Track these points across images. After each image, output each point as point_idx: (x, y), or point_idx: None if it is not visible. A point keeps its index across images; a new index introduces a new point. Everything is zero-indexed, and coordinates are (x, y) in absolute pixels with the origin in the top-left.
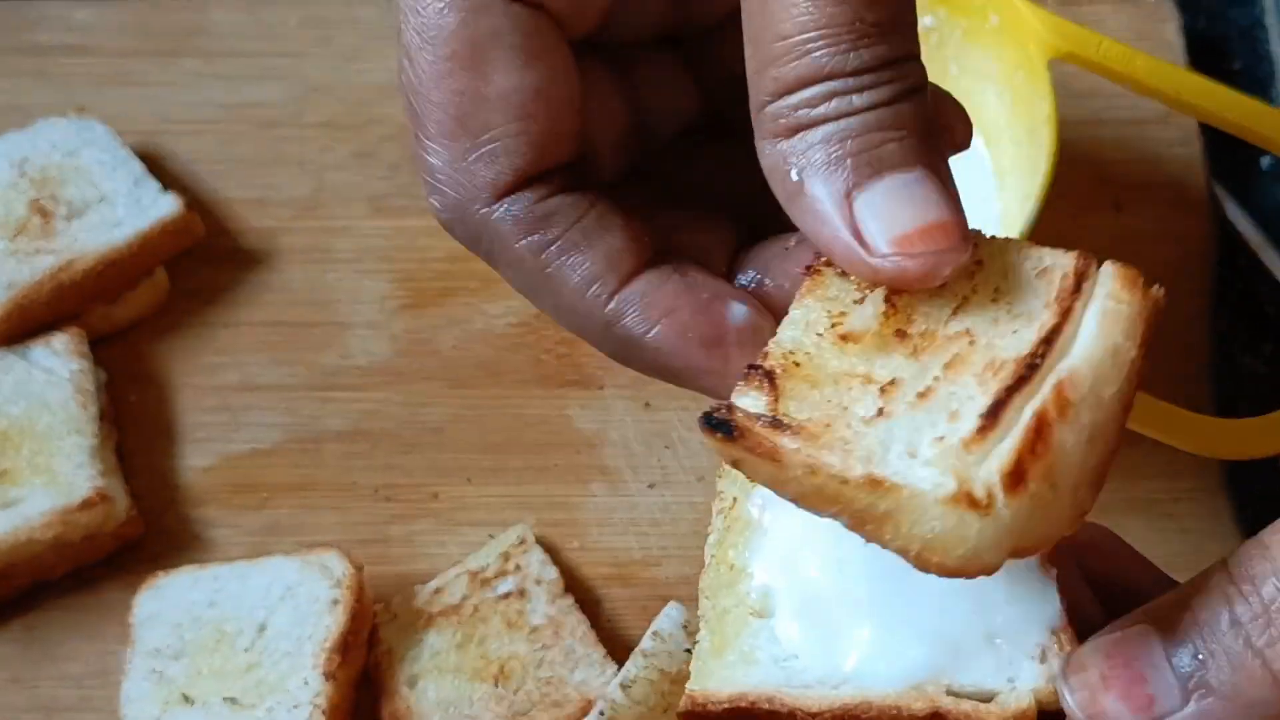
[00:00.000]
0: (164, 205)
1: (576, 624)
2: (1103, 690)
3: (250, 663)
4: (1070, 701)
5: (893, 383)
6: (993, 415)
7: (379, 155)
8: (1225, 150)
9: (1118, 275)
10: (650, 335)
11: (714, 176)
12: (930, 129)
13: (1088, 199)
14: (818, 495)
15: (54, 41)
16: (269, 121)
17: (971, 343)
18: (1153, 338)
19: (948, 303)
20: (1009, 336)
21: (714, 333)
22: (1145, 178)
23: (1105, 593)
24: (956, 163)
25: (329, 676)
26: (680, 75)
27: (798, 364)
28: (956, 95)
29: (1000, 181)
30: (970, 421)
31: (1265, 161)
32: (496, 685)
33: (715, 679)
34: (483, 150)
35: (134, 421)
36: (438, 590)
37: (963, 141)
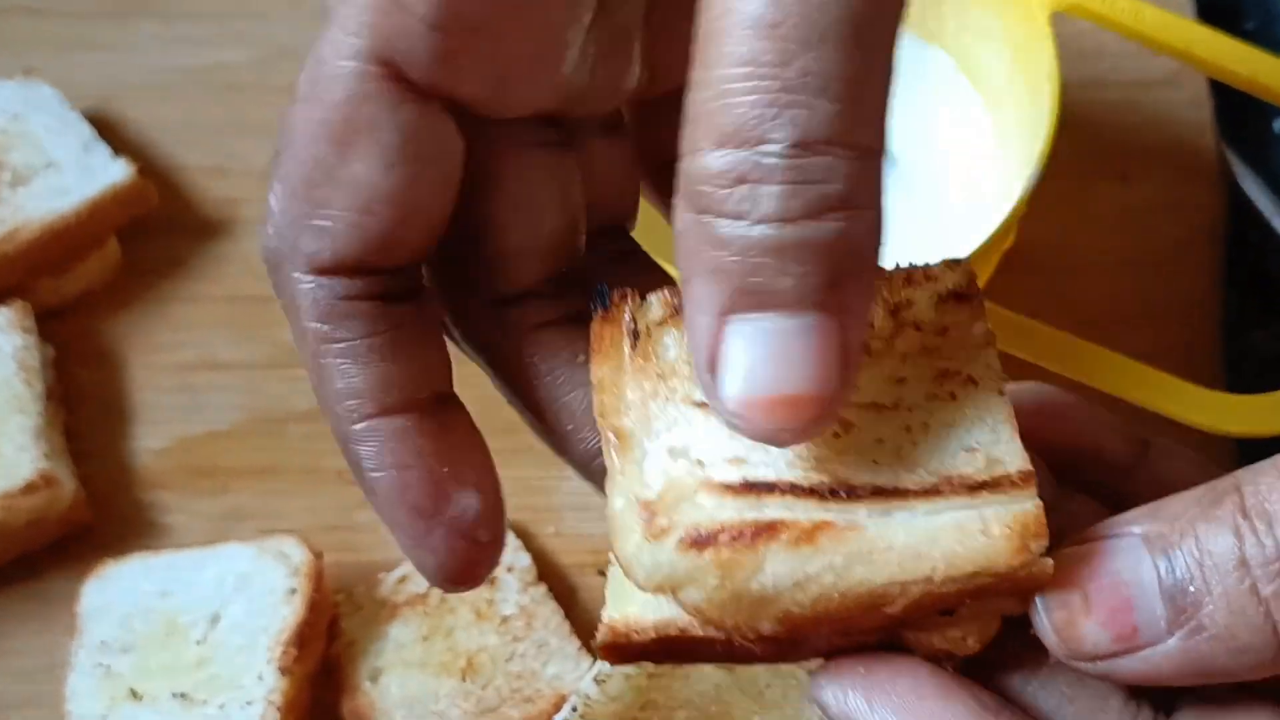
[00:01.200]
0: (114, 171)
1: (550, 615)
2: (1084, 614)
3: (202, 656)
4: (1045, 621)
5: None
6: (752, 489)
7: None
8: (1237, 113)
9: (1019, 519)
10: (372, 475)
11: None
12: (857, 264)
13: (1094, 166)
14: (596, 406)
15: (5, 3)
16: (231, 86)
17: (837, 435)
18: (987, 594)
19: (889, 378)
20: (867, 465)
21: (429, 506)
22: (1153, 142)
23: (1057, 455)
24: (957, 127)
25: (285, 671)
26: (630, 166)
27: None
28: (953, 54)
29: (1002, 146)
30: (734, 477)
31: (1279, 124)
32: (464, 680)
33: (636, 604)
34: (314, 223)
35: (84, 401)
36: (403, 579)
37: None
